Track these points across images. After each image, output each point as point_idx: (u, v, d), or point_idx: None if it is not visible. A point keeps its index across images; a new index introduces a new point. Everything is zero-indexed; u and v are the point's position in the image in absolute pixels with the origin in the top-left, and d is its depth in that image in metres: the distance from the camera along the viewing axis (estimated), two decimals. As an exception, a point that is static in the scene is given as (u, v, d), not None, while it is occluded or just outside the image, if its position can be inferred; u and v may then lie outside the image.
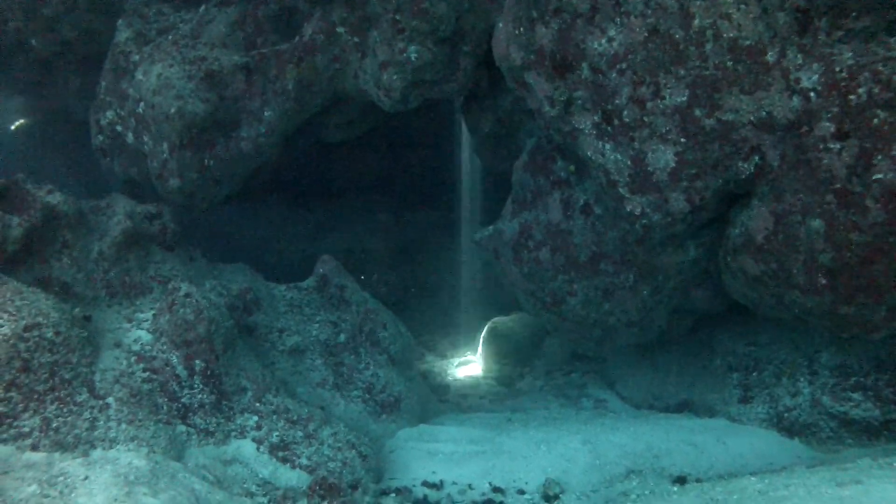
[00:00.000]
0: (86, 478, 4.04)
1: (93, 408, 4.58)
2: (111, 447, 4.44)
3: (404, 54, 6.11)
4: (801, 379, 5.86)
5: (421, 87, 6.41)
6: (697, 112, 4.78)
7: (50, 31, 8.12)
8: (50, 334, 4.62)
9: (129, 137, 7.09)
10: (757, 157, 4.73)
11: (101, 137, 7.45)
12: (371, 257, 10.07)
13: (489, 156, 7.74)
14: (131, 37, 7.11)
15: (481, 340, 9.59)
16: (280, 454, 5.08)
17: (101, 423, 4.53)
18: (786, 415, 5.81)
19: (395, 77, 6.23)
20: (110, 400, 4.68)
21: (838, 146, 4.33)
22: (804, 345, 6.05)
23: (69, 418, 4.44)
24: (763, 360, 6.34)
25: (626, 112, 5.08)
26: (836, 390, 5.66)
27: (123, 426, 4.58)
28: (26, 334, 4.52)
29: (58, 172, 9.49)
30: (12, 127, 11.63)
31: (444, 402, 7.96)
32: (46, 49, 8.38)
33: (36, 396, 4.42)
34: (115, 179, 7.78)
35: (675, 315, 6.47)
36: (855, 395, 5.56)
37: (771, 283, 5.01)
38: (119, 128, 7.19)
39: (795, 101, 4.41)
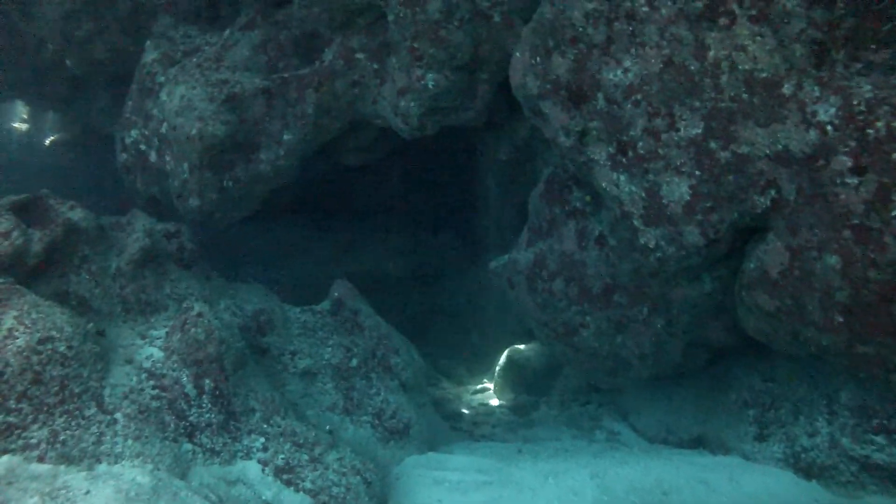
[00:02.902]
0: (87, 492, 4.05)
1: (100, 422, 4.61)
2: (116, 462, 4.46)
3: (422, 81, 6.17)
4: (819, 418, 5.72)
5: (438, 114, 6.45)
6: (713, 144, 4.75)
7: (83, 52, 8.34)
8: (62, 348, 4.67)
9: (152, 156, 7.20)
10: (773, 191, 4.67)
11: (125, 155, 7.58)
12: (389, 281, 10.06)
13: (507, 183, 7.75)
14: (157, 58, 7.25)
15: (498, 369, 9.52)
16: (284, 477, 5.06)
17: (108, 437, 4.56)
18: (803, 455, 5.65)
19: (412, 104, 6.28)
20: (118, 415, 4.71)
21: (856, 181, 4.26)
22: (822, 382, 5.91)
23: (77, 432, 4.48)
24: (780, 396, 6.19)
25: (640, 143, 5.05)
26: (857, 432, 5.49)
27: (130, 442, 4.60)
28: (39, 347, 4.58)
29: (87, 186, 9.69)
30: (46, 142, 11.96)
31: (456, 430, 7.90)
32: (79, 69, 8.61)
33: (46, 409, 4.46)
34: (137, 196, 7.89)
35: (690, 349, 6.35)
36: (878, 439, 5.38)
37: (786, 319, 4.92)
38: (143, 146, 7.31)
39: (812, 134, 4.36)
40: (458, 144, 9.26)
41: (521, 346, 9.50)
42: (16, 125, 13.03)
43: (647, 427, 7.47)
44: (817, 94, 4.32)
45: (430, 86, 6.18)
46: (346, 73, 6.62)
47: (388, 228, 10.22)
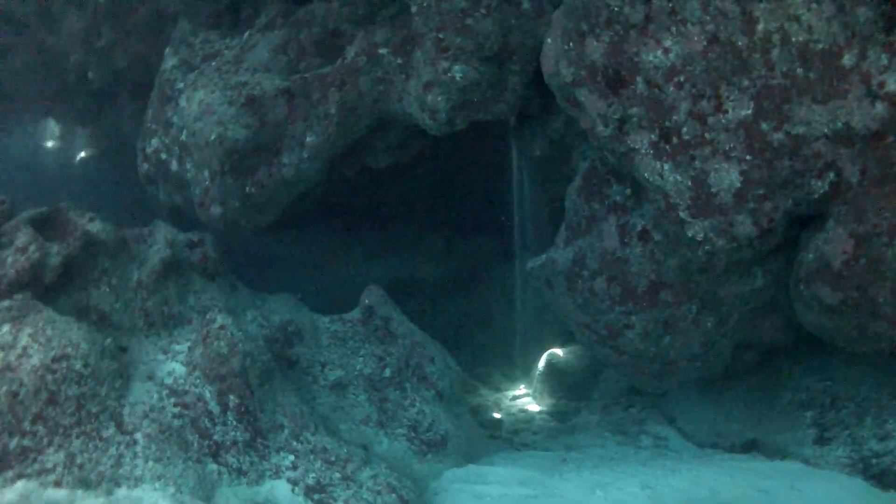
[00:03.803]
0: (105, 519, 3.84)
1: (119, 443, 4.43)
2: (136, 486, 4.26)
3: (449, 74, 5.89)
4: (890, 420, 5.33)
5: (467, 108, 6.17)
6: (764, 126, 4.42)
7: (104, 62, 8.31)
8: (78, 366, 4.50)
9: (174, 165, 7.07)
10: (832, 174, 4.34)
11: (146, 165, 7.47)
12: (422, 286, 9.84)
13: (542, 180, 7.45)
14: (177, 64, 7.15)
15: (537, 373, 9.25)
16: (316, 496, 4.81)
17: (128, 459, 4.37)
18: (874, 461, 5.23)
19: (439, 98, 6.00)
20: (138, 436, 4.52)
21: (932, 158, 3.90)
22: (889, 381, 5.52)
23: (94, 454, 4.29)
24: (840, 396, 5.85)
25: (685, 129, 4.74)
26: (940, 436, 5.11)
27: (150, 464, 4.40)
28: (54, 365, 4.42)
29: (117, 200, 9.65)
30: (77, 158, 12.01)
31: (495, 439, 7.62)
32: (102, 79, 8.61)
33: (62, 430, 4.29)
34: (160, 207, 7.77)
35: (741, 348, 6.05)
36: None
37: (851, 313, 4.58)
38: (164, 155, 7.19)
39: (878, 108, 4.00)
40: (489, 141, 9.03)
41: (560, 350, 9.22)
42: (48, 143, 13.12)
43: (695, 431, 7.13)
44: (885, 62, 3.96)
45: (458, 78, 5.89)
46: (370, 69, 6.38)
47: (419, 232, 10.00)
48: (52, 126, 12.70)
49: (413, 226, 9.94)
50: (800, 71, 4.22)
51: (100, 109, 9.61)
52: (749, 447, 6.38)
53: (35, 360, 4.35)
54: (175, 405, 4.86)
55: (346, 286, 8.93)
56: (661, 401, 7.99)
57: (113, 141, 10.43)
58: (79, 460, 4.21)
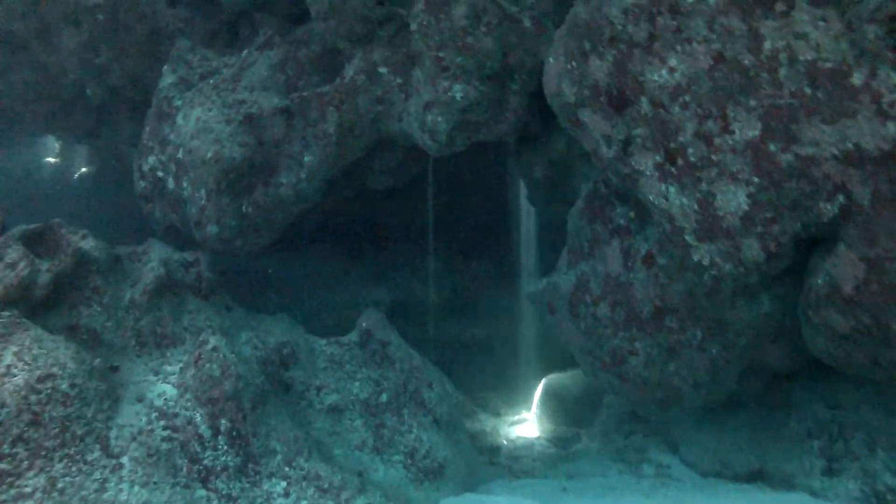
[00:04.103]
0: (85, 548, 3.69)
1: (105, 467, 4.30)
2: (121, 512, 4.10)
3: (449, 93, 5.83)
4: (902, 451, 5.18)
5: (468, 128, 6.10)
6: (772, 147, 4.33)
7: (102, 80, 8.29)
8: (64, 386, 4.37)
9: (170, 183, 6.99)
10: (842, 196, 4.23)
11: (143, 183, 7.38)
12: (420, 310, 9.71)
13: (543, 202, 7.36)
14: (175, 82, 7.11)
15: (536, 399, 9.11)
16: (307, 525, 4.67)
17: (112, 484, 4.24)
18: (889, 497, 5.07)
19: (439, 118, 5.94)
20: (125, 459, 4.39)
21: (946, 180, 3.80)
22: (902, 409, 5.40)
23: (77, 478, 4.16)
24: (850, 425, 5.69)
25: (691, 150, 4.65)
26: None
27: (136, 489, 4.27)
28: (39, 385, 4.30)
29: (114, 217, 9.57)
30: (76, 175, 11.97)
31: (494, 465, 7.47)
32: (99, 97, 8.57)
33: (44, 453, 4.17)
34: (156, 225, 7.67)
35: (747, 374, 5.89)
36: None
37: (863, 340, 4.44)
38: (160, 173, 7.11)
39: (890, 127, 3.91)
40: (489, 162, 8.96)
41: (560, 375, 9.10)
42: (48, 160, 13.10)
43: (698, 460, 6.95)
44: (896, 81, 3.88)
45: (458, 98, 5.83)
46: (369, 88, 6.32)
47: (418, 255, 9.91)
48: (52, 142, 12.70)
49: (412, 247, 9.85)
50: (808, 90, 4.14)
51: (98, 126, 9.59)
52: (754, 477, 6.25)
53: (19, 380, 4.23)
54: (164, 428, 4.73)
55: (343, 310, 8.84)
56: (663, 427, 7.83)
57: (111, 158, 10.40)
58: (60, 485, 4.07)
